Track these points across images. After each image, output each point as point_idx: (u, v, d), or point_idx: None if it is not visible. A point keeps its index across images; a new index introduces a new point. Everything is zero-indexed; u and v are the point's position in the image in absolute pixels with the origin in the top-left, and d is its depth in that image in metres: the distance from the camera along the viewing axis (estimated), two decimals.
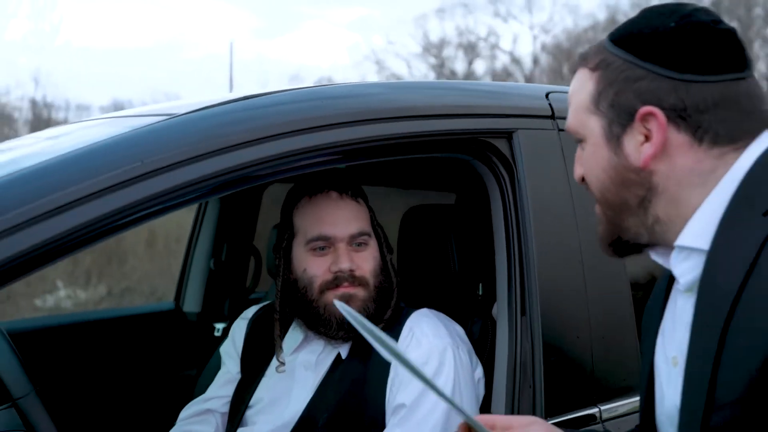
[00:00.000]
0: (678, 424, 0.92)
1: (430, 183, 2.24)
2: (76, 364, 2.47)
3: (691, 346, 0.91)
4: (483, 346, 1.63)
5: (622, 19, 22.46)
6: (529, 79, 18.89)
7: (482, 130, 1.43)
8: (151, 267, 9.36)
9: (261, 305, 1.76)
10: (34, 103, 15.96)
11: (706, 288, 0.90)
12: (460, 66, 21.22)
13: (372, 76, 19.73)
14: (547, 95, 1.57)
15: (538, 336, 1.37)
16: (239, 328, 1.73)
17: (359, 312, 1.48)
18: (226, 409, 1.67)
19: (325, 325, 1.52)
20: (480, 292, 1.81)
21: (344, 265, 1.52)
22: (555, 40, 23.65)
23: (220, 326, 2.74)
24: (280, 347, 1.57)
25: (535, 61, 21.02)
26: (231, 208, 2.77)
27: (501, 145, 1.44)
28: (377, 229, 1.62)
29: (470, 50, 22.02)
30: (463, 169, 1.81)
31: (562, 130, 1.51)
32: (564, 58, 22.74)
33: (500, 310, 1.44)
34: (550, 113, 1.52)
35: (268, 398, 1.58)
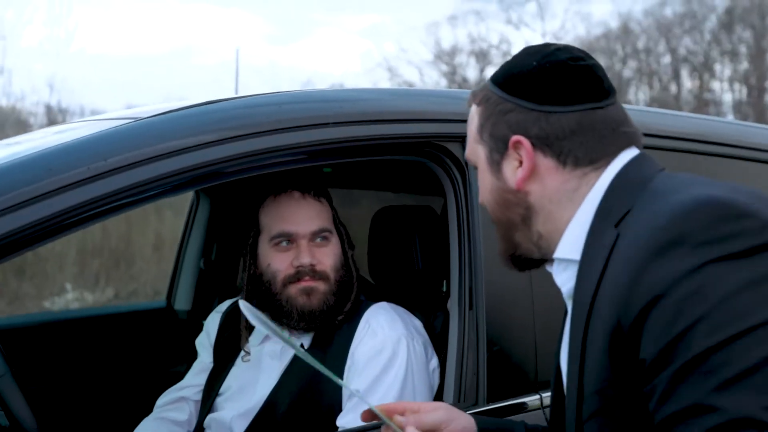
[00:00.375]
0: (566, 420, 1.01)
1: (405, 186, 2.33)
2: (68, 360, 2.56)
3: (569, 350, 1.01)
4: (444, 339, 1.71)
5: (634, 27, 22.28)
6: None
7: (436, 134, 1.52)
8: (158, 270, 9.48)
9: (233, 300, 1.86)
10: (49, 108, 16.17)
11: (577, 295, 1.00)
12: (472, 73, 21.33)
13: (384, 83, 19.84)
14: None
15: (483, 328, 1.45)
16: (213, 321, 1.84)
17: (320, 304, 1.58)
18: (199, 396, 1.77)
19: (288, 317, 1.62)
20: (444, 289, 1.90)
21: (305, 260, 1.61)
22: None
23: None
24: (246, 338, 1.67)
25: None
26: (221, 209, 2.87)
27: (454, 148, 1.53)
28: (339, 227, 1.72)
29: (482, 57, 22.11)
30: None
31: None
32: None
33: (452, 305, 1.53)
34: None
35: (236, 386, 1.68)
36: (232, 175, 1.37)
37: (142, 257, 9.95)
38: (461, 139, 1.54)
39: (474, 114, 1.13)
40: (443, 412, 1.12)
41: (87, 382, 2.56)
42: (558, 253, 1.06)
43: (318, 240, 1.65)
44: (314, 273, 1.62)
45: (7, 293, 8.84)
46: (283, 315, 1.62)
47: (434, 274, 1.84)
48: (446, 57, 21.68)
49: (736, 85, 21.40)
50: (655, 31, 21.91)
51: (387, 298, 1.72)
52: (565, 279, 1.06)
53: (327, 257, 1.65)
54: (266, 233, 1.68)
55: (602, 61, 22.90)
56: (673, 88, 22.04)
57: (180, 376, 2.49)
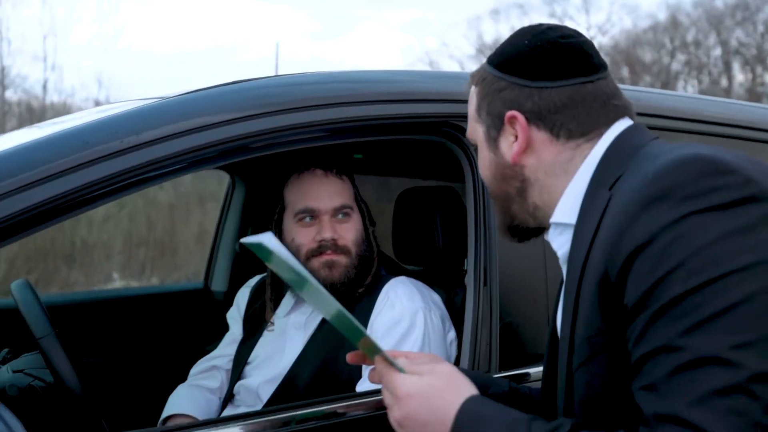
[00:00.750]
0: (558, 372, 1.06)
1: (432, 172, 2.39)
2: (110, 336, 2.69)
3: (563, 306, 1.05)
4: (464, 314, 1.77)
5: (683, 19, 21.76)
6: None
7: (453, 114, 1.57)
8: (200, 260, 9.68)
9: (262, 275, 1.94)
10: (98, 104, 16.60)
11: (571, 257, 1.04)
12: None
13: None
14: None
15: (496, 302, 1.51)
16: (243, 294, 1.92)
17: (342, 277, 1.66)
18: (229, 366, 1.86)
19: None
20: (465, 267, 1.95)
21: (327, 234, 1.69)
22: (613, 41, 23.42)
23: None
24: (271, 309, 1.75)
25: None
26: (255, 194, 2.96)
27: None
28: (360, 203, 1.79)
29: None
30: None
31: None
32: (622, 60, 22.45)
33: (468, 280, 1.58)
34: None
35: (263, 355, 1.76)
36: (256, 151, 1.45)
37: (185, 247, 10.18)
38: None
39: (472, 94, 1.19)
40: (444, 366, 1.16)
41: (127, 356, 2.68)
42: (554, 218, 1.11)
43: (339, 216, 1.72)
44: (336, 247, 1.69)
45: (58, 281, 9.13)
46: None
47: (456, 252, 1.90)
48: (488, 51, 21.54)
49: None
50: (706, 22, 21.49)
51: (409, 274, 1.79)
52: (561, 243, 1.11)
53: (348, 232, 1.72)
54: (290, 209, 1.76)
55: (649, 54, 22.57)
56: (724, 81, 21.59)
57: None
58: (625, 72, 21.53)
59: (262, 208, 3.00)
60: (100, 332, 2.69)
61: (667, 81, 21.18)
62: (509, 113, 1.11)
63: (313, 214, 1.72)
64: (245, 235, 3.02)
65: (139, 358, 2.71)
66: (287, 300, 1.79)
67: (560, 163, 1.10)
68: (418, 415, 1.01)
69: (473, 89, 1.19)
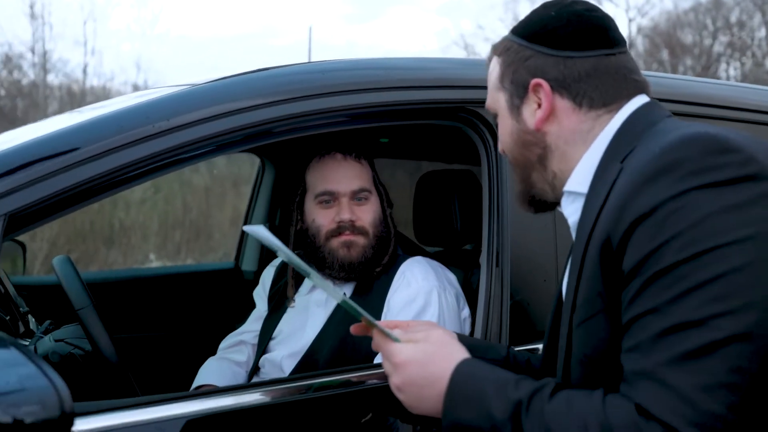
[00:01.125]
0: (560, 330, 1.12)
1: (454, 156, 2.45)
2: (144, 314, 2.80)
3: (569, 269, 1.11)
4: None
5: (728, 1, 21.06)
6: None
7: (469, 100, 1.63)
8: (234, 242, 9.85)
9: (279, 259, 2.03)
10: (136, 88, 16.92)
11: (580, 226, 1.10)
12: None
13: None
14: None
15: (507, 282, 1.57)
16: (268, 274, 2.02)
17: (359, 256, 1.73)
18: (255, 341, 1.95)
19: (330, 267, 1.78)
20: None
21: (345, 216, 1.77)
22: (652, 22, 22.96)
23: None
24: (292, 286, 1.84)
25: (630, 44, 20.40)
26: (285, 177, 3.04)
27: (487, 113, 1.64)
28: (379, 186, 1.86)
29: None
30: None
31: None
32: (662, 42, 22.01)
33: (482, 261, 1.65)
34: None
35: (287, 330, 1.85)
36: (278, 135, 1.52)
37: (220, 230, 10.36)
38: None
39: (495, 64, 1.23)
40: (439, 330, 1.21)
41: (162, 332, 2.79)
42: (567, 186, 1.16)
43: (358, 199, 1.79)
44: (354, 228, 1.77)
45: (98, 261, 9.36)
46: (326, 266, 1.78)
47: (473, 234, 1.96)
48: None
49: None
50: (750, 2, 20.96)
51: (427, 255, 1.86)
52: (572, 210, 1.17)
53: (366, 214, 1.79)
54: (311, 191, 1.84)
55: (690, 36, 22.03)
56: None
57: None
58: (665, 54, 21.17)
59: (291, 189, 3.09)
60: (136, 309, 2.81)
61: (708, 63, 20.75)
62: (534, 81, 1.15)
63: (332, 197, 1.80)
64: (274, 217, 3.11)
65: (173, 334, 2.82)
66: (307, 282, 1.88)
67: (580, 133, 1.15)
68: (415, 380, 1.08)
69: (495, 59, 1.23)
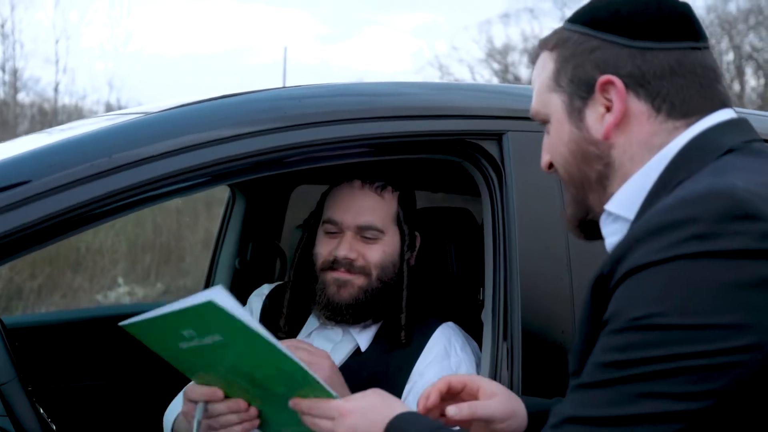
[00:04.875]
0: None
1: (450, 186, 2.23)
2: (101, 359, 2.53)
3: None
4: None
5: None
6: None
7: (470, 132, 1.41)
8: (207, 266, 9.58)
9: (276, 283, 1.77)
10: (109, 106, 16.57)
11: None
12: (524, 71, 21.02)
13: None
14: None
15: (518, 343, 1.34)
16: (255, 304, 1.74)
17: (350, 298, 1.51)
18: None
19: (318, 303, 1.56)
20: (481, 297, 1.79)
21: (341, 252, 1.55)
22: None
23: None
24: (283, 313, 1.60)
25: None
26: (257, 207, 2.81)
27: (490, 147, 1.42)
28: (402, 226, 1.60)
29: (535, 56, 21.71)
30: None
31: None
32: None
33: (486, 316, 1.42)
34: None
35: None
36: (255, 171, 1.29)
37: (191, 253, 10.08)
38: (497, 136, 1.44)
39: (546, 60, 1.00)
40: (501, 403, 1.06)
41: (120, 378, 2.53)
42: (608, 206, 0.96)
43: (365, 237, 1.57)
44: (351, 266, 1.55)
45: (62, 286, 9.04)
46: (314, 301, 1.56)
47: (471, 282, 1.74)
48: (498, 55, 21.40)
49: None
50: (718, 27, 21.35)
51: (428, 307, 1.63)
52: (610, 231, 0.97)
53: (373, 253, 1.56)
54: (322, 217, 1.63)
55: None
56: (737, 86, 21.37)
57: None
58: None
59: (263, 222, 2.85)
60: (92, 353, 2.54)
61: None
62: (603, 78, 0.93)
63: (337, 227, 1.58)
64: (245, 251, 2.87)
65: (133, 380, 2.56)
66: (312, 321, 1.64)
67: (649, 148, 0.93)
68: (358, 428, 1.05)
69: (546, 55, 1.01)
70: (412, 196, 1.65)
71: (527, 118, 1.48)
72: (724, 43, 21.66)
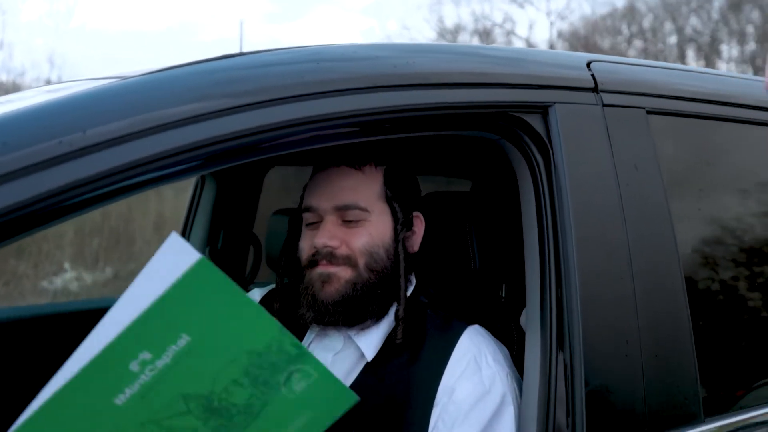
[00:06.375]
0: None
1: (444, 168, 2.00)
2: (48, 361, 2.26)
3: None
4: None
5: (641, 7, 22.19)
6: None
7: (513, 103, 1.18)
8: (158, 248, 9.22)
9: (267, 288, 1.52)
10: (49, 84, 15.80)
11: None
12: None
13: None
14: (588, 64, 1.32)
15: (579, 349, 1.12)
16: None
17: (336, 294, 1.28)
18: None
19: (303, 306, 1.33)
20: (503, 295, 1.57)
21: (320, 240, 1.30)
22: (572, 27, 23.32)
23: None
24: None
25: (552, 47, 20.69)
26: (229, 192, 2.54)
27: (534, 121, 1.20)
28: (393, 204, 1.36)
29: (485, 36, 21.68)
30: (481, 151, 1.57)
31: (607, 105, 1.27)
32: (581, 46, 22.35)
33: (530, 321, 1.20)
34: (592, 85, 1.28)
35: None
36: (250, 154, 1.03)
37: (142, 237, 9.69)
38: (543, 109, 1.21)
39: None
40: None
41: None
42: None
43: (347, 219, 1.32)
44: (332, 257, 1.30)
45: (5, 273, 8.61)
46: (300, 304, 1.33)
47: (494, 277, 1.52)
48: (449, 35, 21.21)
49: (743, 67, 21.02)
50: (662, 10, 21.62)
51: (444, 307, 1.39)
52: None
53: (357, 238, 1.31)
54: (302, 207, 1.39)
55: (607, 40, 22.52)
56: None
57: None
58: None
59: (236, 208, 2.59)
60: (47, 354, 2.26)
61: None
62: None
63: (315, 214, 1.34)
64: (216, 240, 2.60)
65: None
66: (311, 330, 1.40)
67: None
68: None
69: None
70: (404, 172, 1.41)
71: (576, 89, 1.27)
72: (668, 26, 21.95)
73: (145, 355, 0.84)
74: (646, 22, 22.50)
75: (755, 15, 21.08)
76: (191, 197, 2.62)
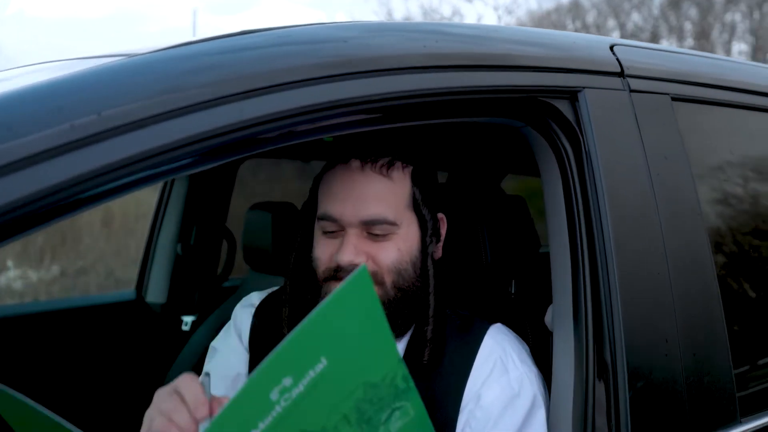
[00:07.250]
0: None
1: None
2: (27, 360, 2.12)
3: None
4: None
5: (585, 3, 22.69)
6: None
7: (542, 87, 1.11)
8: (107, 247, 8.94)
9: (269, 290, 1.41)
10: None
11: None
12: None
13: None
14: (611, 48, 1.25)
15: (621, 350, 1.05)
16: (242, 318, 1.38)
17: None
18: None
19: None
20: (512, 291, 1.51)
21: (345, 257, 1.17)
22: (519, 21, 23.51)
23: (188, 319, 2.41)
24: (284, 333, 1.24)
25: None
26: (201, 185, 2.43)
27: (563, 106, 1.12)
28: (423, 212, 1.24)
29: None
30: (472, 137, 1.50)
31: (634, 90, 1.21)
32: None
33: (560, 320, 1.13)
34: (618, 69, 1.21)
35: None
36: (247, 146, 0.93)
37: (90, 233, 9.37)
38: (570, 94, 1.14)
39: None
40: None
41: (48, 383, 2.12)
42: None
43: (373, 233, 1.20)
44: None
45: None
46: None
47: (504, 272, 1.45)
48: None
49: None
50: (605, 6, 22.06)
51: (454, 302, 1.31)
52: None
53: (386, 253, 1.19)
54: (318, 211, 1.25)
55: None
56: None
57: (155, 380, 2.07)
58: None
59: (208, 201, 2.47)
60: (16, 354, 2.13)
61: None
62: None
63: (336, 225, 1.21)
64: (188, 235, 2.48)
65: (62, 384, 2.15)
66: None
67: None
68: None
69: None
70: (428, 169, 1.29)
71: (604, 73, 1.20)
72: (611, 22, 22.40)
73: (287, 381, 0.74)
74: (590, 18, 23.02)
75: (693, 12, 21.71)
76: (161, 191, 2.49)
